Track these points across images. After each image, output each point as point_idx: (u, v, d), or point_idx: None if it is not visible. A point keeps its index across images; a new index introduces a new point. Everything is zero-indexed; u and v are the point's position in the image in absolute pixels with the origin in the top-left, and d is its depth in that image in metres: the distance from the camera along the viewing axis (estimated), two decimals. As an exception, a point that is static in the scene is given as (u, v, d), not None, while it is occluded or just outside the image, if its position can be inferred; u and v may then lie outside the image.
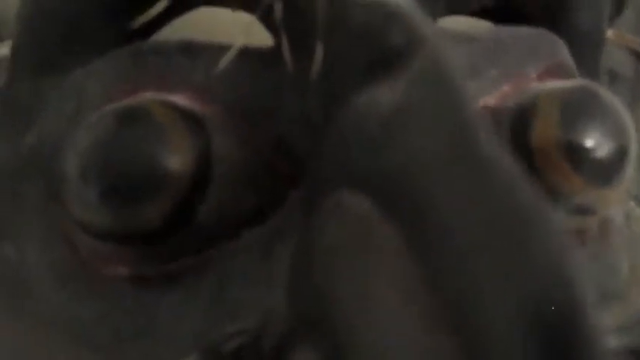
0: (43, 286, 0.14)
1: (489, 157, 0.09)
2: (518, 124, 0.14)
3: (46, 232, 0.14)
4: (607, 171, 0.14)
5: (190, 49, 0.14)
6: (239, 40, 0.13)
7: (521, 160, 0.13)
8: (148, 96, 0.13)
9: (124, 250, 0.13)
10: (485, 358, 0.08)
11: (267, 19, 0.14)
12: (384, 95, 0.10)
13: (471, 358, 0.08)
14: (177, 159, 0.13)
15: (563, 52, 0.15)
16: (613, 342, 0.13)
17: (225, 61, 0.13)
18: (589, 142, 0.14)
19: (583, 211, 0.14)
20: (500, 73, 0.14)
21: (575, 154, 0.13)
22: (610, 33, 0.17)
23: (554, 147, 0.13)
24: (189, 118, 0.13)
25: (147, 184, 0.13)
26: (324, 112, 0.12)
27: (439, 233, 0.09)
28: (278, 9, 0.13)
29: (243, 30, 0.13)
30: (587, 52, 0.17)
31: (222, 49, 0.13)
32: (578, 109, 0.14)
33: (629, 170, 0.14)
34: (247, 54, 0.14)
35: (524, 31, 0.15)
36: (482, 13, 0.16)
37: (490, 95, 0.14)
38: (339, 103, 0.11)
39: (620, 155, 0.14)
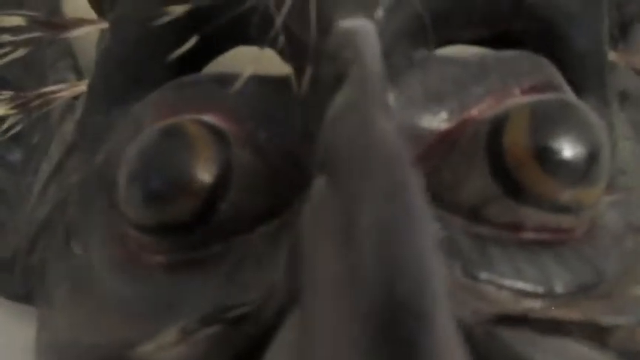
0: (100, 275, 0.17)
1: (392, 157, 0.11)
2: (493, 132, 0.15)
3: (106, 233, 0.17)
4: (578, 172, 0.15)
5: (221, 79, 0.17)
6: (251, 70, 0.16)
7: (496, 164, 0.15)
8: (185, 116, 0.16)
9: (160, 241, 0.16)
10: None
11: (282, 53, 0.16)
12: (338, 98, 0.13)
13: None
14: (203, 166, 0.15)
15: (549, 71, 0.17)
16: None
17: (237, 85, 0.16)
18: (557, 146, 0.15)
19: (562, 209, 0.15)
20: (484, 89, 0.16)
21: (545, 157, 0.15)
22: (614, 55, 0.18)
23: (523, 151, 0.15)
24: (215, 133, 0.16)
25: (179, 186, 0.15)
26: (311, 124, 0.14)
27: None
28: (281, 42, 0.15)
29: (254, 61, 0.16)
30: (589, 74, 0.18)
31: (245, 78, 0.16)
32: (546, 117, 0.15)
33: (604, 172, 0.15)
34: (267, 81, 0.16)
35: (508, 54, 0.17)
36: (482, 42, 0.18)
37: (473, 108, 0.16)
38: (319, 114, 0.13)
39: (591, 158, 0.15)
